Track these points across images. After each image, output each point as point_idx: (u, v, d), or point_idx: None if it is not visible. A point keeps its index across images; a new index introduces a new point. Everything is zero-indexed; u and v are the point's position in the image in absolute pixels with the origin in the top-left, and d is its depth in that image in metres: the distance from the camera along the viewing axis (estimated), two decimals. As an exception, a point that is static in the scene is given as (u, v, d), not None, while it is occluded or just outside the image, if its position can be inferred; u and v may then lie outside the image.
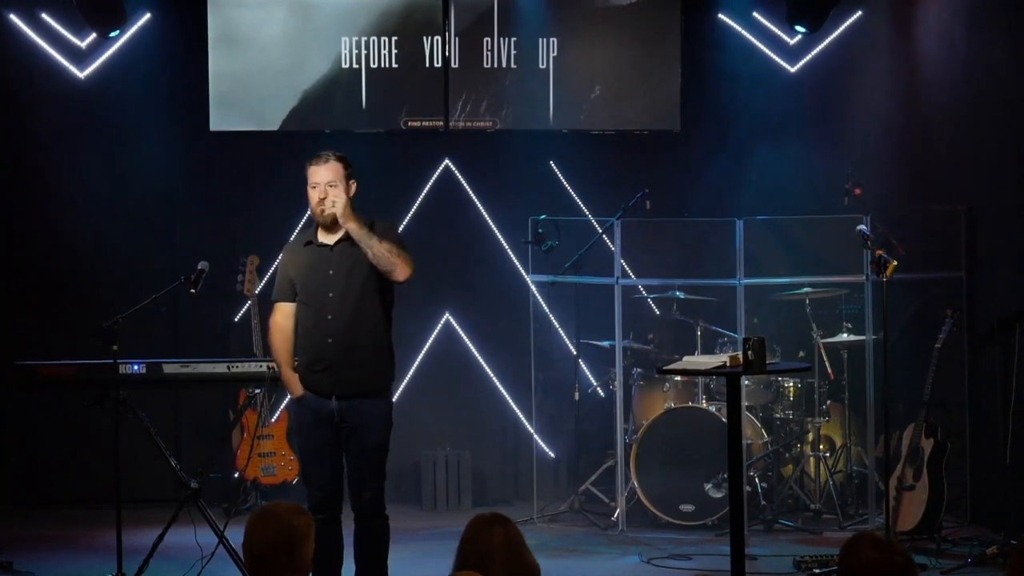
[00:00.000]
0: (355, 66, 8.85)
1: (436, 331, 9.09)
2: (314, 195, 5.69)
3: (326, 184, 5.68)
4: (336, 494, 5.78)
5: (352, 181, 5.75)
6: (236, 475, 8.37)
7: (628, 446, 8.10)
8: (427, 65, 8.85)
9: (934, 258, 8.20)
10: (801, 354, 8.24)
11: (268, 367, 6.63)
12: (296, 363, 5.78)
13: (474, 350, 9.14)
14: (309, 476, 5.80)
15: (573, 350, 8.67)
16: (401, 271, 5.67)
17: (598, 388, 8.83)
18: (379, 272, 5.68)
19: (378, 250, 5.63)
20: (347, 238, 5.70)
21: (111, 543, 6.44)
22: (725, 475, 7.55)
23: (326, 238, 5.76)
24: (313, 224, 5.84)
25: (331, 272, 5.70)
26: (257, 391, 8.20)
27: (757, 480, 8.10)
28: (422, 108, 8.88)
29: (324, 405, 5.70)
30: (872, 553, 3.49)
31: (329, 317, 5.67)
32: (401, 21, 8.85)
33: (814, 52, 9.08)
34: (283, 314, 5.81)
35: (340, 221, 5.66)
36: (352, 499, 5.79)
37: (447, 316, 9.12)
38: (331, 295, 5.68)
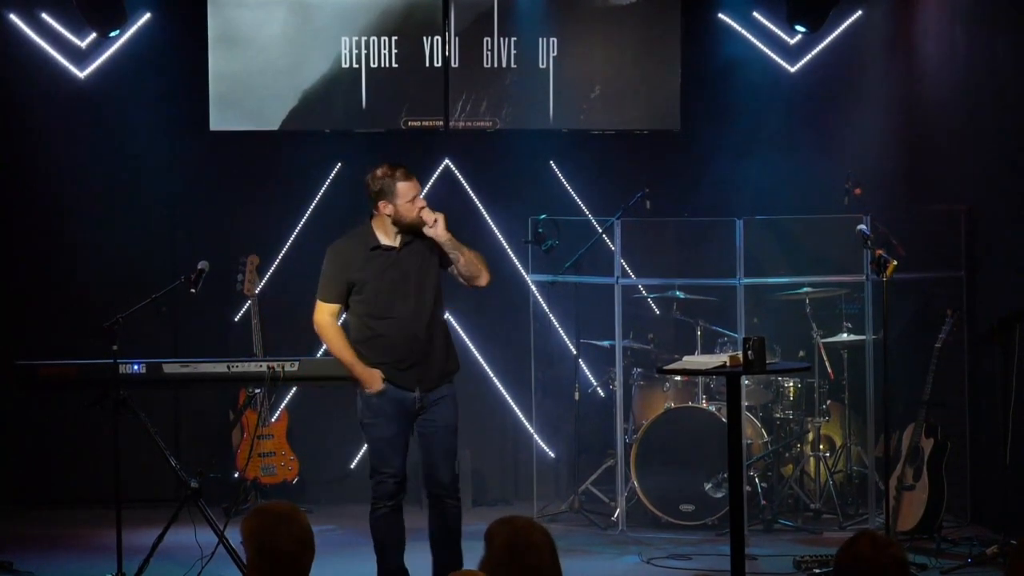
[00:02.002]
0: (355, 66, 8.84)
1: (436, 331, 9.08)
2: (413, 208, 5.91)
3: (420, 197, 5.98)
4: (405, 482, 6.05)
5: None
6: (236, 475, 8.37)
7: (628, 446, 8.10)
8: (427, 65, 8.85)
9: (934, 258, 8.20)
10: (801, 354, 8.24)
11: (268, 367, 6.65)
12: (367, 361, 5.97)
13: (474, 350, 9.13)
14: (382, 464, 5.98)
15: (573, 350, 8.67)
16: (485, 277, 6.12)
17: (598, 388, 8.82)
18: (439, 270, 5.99)
19: (469, 256, 6.03)
20: (410, 241, 5.95)
21: (111, 543, 6.45)
22: (725, 475, 7.55)
23: (390, 240, 5.98)
24: (363, 227, 6.02)
25: (405, 273, 5.95)
26: (257, 391, 8.21)
27: (757, 480, 8.10)
28: (422, 108, 8.88)
29: (406, 396, 5.98)
30: (867, 550, 3.51)
31: (410, 316, 5.93)
32: (401, 21, 8.84)
33: (814, 52, 9.07)
34: (332, 313, 6.01)
35: (439, 233, 5.91)
36: (428, 481, 6.06)
37: (447, 316, 9.10)
38: (410, 294, 5.94)
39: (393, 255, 5.95)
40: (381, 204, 5.93)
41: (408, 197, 5.91)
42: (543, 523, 7.86)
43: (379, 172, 5.95)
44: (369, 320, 5.95)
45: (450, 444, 6.04)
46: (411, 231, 5.96)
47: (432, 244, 5.98)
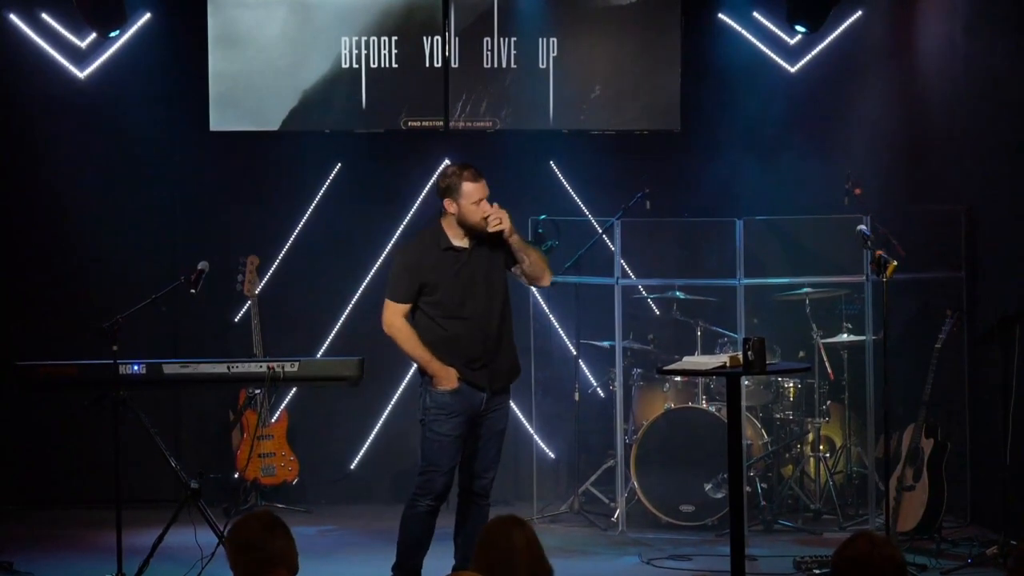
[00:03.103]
0: (355, 66, 8.84)
1: (436, 331, 9.07)
2: (479, 210, 5.95)
3: (486, 201, 5.98)
4: (452, 482, 6.09)
5: None
6: (236, 475, 8.37)
7: (628, 446, 8.10)
8: (427, 65, 8.84)
9: (934, 258, 8.20)
10: (801, 354, 8.24)
11: (268, 367, 6.65)
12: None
13: (474, 350, 9.12)
14: (441, 462, 6.01)
15: (573, 350, 8.67)
16: (548, 277, 6.18)
17: (598, 388, 8.82)
18: (505, 271, 6.07)
19: (535, 257, 6.08)
20: (479, 242, 5.99)
21: (111, 543, 6.46)
22: (725, 475, 7.55)
23: (460, 241, 6.02)
24: (433, 227, 6.06)
25: (475, 273, 6.00)
26: (257, 391, 8.22)
27: (757, 480, 8.10)
28: (422, 108, 8.87)
29: (477, 396, 6.02)
30: (865, 551, 3.52)
31: (481, 317, 5.99)
32: (401, 21, 8.84)
33: (814, 52, 9.06)
34: (403, 313, 6.02)
35: (508, 235, 5.94)
36: (475, 480, 6.11)
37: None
38: (480, 295, 6.00)
39: (464, 255, 5.99)
40: (446, 202, 5.99)
41: (473, 199, 5.95)
42: (544, 523, 7.88)
43: (449, 170, 6.05)
44: (441, 321, 5.99)
45: (501, 448, 6.16)
46: (475, 233, 5.99)
47: (498, 245, 6.03)
